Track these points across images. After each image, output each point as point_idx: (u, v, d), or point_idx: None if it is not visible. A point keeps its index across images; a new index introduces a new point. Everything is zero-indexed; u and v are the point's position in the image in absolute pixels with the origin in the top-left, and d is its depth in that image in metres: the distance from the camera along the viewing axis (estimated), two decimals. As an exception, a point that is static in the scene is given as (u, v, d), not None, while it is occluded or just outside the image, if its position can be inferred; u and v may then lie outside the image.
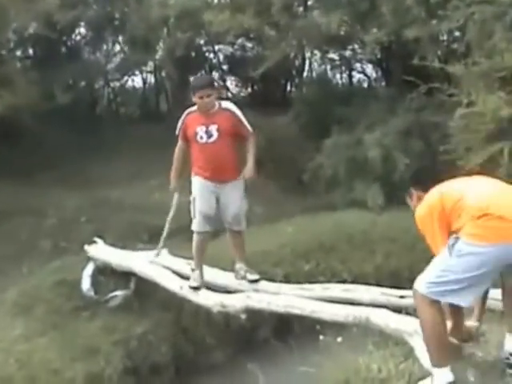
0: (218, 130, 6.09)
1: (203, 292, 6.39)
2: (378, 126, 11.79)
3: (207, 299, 6.32)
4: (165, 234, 7.29)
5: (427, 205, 4.05)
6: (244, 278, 6.34)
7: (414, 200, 4.33)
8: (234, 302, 6.07)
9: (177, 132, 6.33)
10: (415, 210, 4.26)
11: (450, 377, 3.79)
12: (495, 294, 4.12)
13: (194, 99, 6.10)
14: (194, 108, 6.21)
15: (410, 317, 4.96)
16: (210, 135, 6.10)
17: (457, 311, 4.06)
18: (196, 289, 6.40)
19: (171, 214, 7.09)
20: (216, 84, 6.30)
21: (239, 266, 6.40)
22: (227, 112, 6.18)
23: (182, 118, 6.29)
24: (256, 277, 6.33)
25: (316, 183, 12.21)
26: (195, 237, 6.34)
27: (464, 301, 3.85)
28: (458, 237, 3.77)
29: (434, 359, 3.86)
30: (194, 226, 6.27)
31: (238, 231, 6.44)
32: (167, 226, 7.23)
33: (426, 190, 4.20)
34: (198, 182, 6.23)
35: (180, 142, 6.36)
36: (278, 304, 5.87)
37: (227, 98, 17.10)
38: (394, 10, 10.90)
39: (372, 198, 11.34)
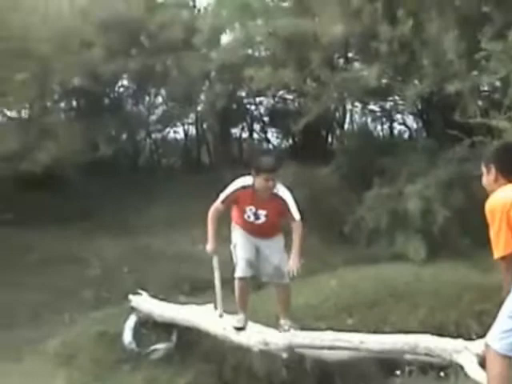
0: (266, 215, 6.13)
1: (246, 331, 6.42)
2: (419, 177, 11.72)
3: (249, 338, 6.35)
4: (219, 297, 6.84)
5: (504, 199, 3.79)
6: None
7: (491, 176, 4.05)
8: (277, 340, 6.10)
9: (223, 197, 6.17)
10: (487, 185, 4.07)
11: None
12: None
13: (257, 178, 5.97)
14: (249, 182, 6.07)
15: (456, 339, 4.93)
16: (257, 217, 6.15)
17: None
18: (240, 329, 6.44)
19: (217, 277, 6.70)
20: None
21: (283, 321, 6.32)
22: (279, 200, 6.06)
23: (235, 188, 6.15)
24: (300, 333, 6.27)
25: (358, 235, 12.11)
26: (238, 283, 6.34)
27: None
28: None
29: None
30: (238, 272, 6.27)
31: (282, 285, 6.39)
32: (218, 289, 6.77)
33: (506, 173, 3.95)
34: (239, 232, 6.32)
35: (220, 207, 6.21)
36: (324, 338, 5.84)
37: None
38: (435, 62, 10.91)
39: (414, 251, 11.21)
